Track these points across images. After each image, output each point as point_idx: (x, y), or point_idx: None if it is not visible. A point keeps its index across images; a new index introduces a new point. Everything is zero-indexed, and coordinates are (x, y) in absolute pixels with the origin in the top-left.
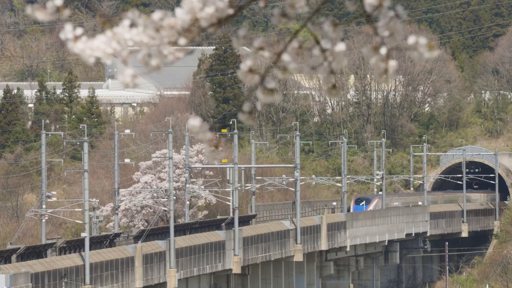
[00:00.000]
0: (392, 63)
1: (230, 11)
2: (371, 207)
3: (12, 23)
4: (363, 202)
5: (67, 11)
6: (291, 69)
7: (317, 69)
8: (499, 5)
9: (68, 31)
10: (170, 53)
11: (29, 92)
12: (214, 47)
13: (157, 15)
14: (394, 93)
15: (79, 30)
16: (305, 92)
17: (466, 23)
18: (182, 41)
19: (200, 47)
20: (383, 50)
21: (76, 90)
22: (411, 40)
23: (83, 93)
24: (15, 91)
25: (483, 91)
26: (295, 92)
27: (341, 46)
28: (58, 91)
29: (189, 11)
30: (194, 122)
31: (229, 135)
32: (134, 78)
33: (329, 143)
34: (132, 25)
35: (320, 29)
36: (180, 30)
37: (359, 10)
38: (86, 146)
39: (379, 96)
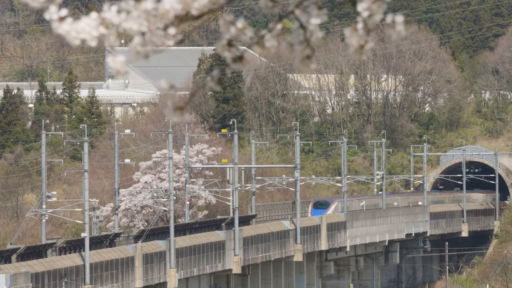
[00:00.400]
0: (369, 40)
1: (222, 1)
2: (330, 211)
3: (12, 23)
4: (322, 206)
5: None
6: (268, 46)
7: (295, 44)
8: (499, 5)
9: (52, 12)
10: (161, 42)
11: (29, 92)
12: (214, 47)
13: (149, 3)
14: (394, 93)
15: (64, 11)
16: (305, 92)
17: (466, 23)
18: (172, 30)
19: (200, 47)
20: (360, 26)
21: (76, 90)
22: (389, 18)
23: (83, 93)
24: (15, 91)
25: (483, 91)
26: (295, 92)
27: (316, 20)
28: (58, 91)
29: (181, 0)
30: (163, 84)
31: (229, 135)
32: (125, 64)
33: (329, 143)
34: (121, 11)
35: (306, 13)
36: (171, 19)
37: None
38: (86, 146)
39: (379, 96)
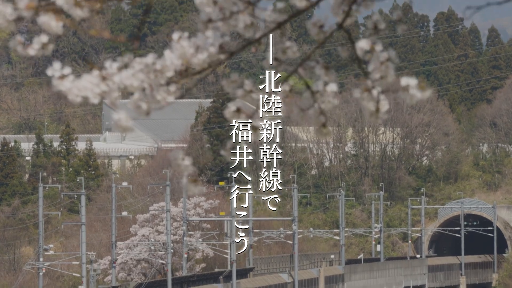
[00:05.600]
0: (384, 103)
1: (222, 57)
2: None
3: (10, 75)
4: None
5: (51, 46)
6: (282, 112)
7: (307, 111)
8: (497, 58)
9: (55, 69)
10: (162, 98)
11: (26, 145)
12: (212, 100)
13: (149, 58)
14: (392, 145)
15: (67, 69)
16: (302, 144)
17: (464, 75)
18: (173, 87)
19: (197, 100)
20: (375, 91)
21: (73, 143)
22: (403, 81)
23: (81, 145)
24: (12, 143)
25: (481, 144)
26: (293, 145)
27: (332, 87)
28: (55, 144)
29: (180, 56)
30: (177, 154)
31: (227, 187)
32: (128, 120)
33: (327, 196)
34: (121, 68)
35: (311, 73)
36: (172, 74)
37: (351, 56)
38: (83, 199)
39: (377, 149)
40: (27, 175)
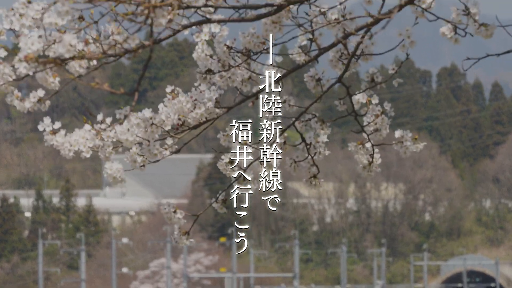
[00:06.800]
0: (377, 156)
1: (218, 111)
2: None
3: (9, 131)
4: None
5: (48, 103)
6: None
7: (300, 162)
8: (500, 113)
9: (46, 124)
10: (159, 152)
11: (26, 201)
12: (213, 155)
13: (147, 113)
14: (394, 201)
15: (58, 124)
16: (304, 200)
17: (466, 131)
18: (169, 141)
19: (198, 155)
20: (368, 144)
21: (73, 199)
22: (397, 133)
23: (80, 201)
24: (12, 199)
25: (483, 200)
26: (294, 201)
27: (323, 137)
28: (55, 200)
29: (177, 111)
30: (167, 207)
31: (228, 244)
32: (121, 172)
33: (329, 252)
34: (117, 122)
35: (307, 126)
36: (168, 129)
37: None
38: (83, 255)
39: (379, 204)
40: (26, 231)
